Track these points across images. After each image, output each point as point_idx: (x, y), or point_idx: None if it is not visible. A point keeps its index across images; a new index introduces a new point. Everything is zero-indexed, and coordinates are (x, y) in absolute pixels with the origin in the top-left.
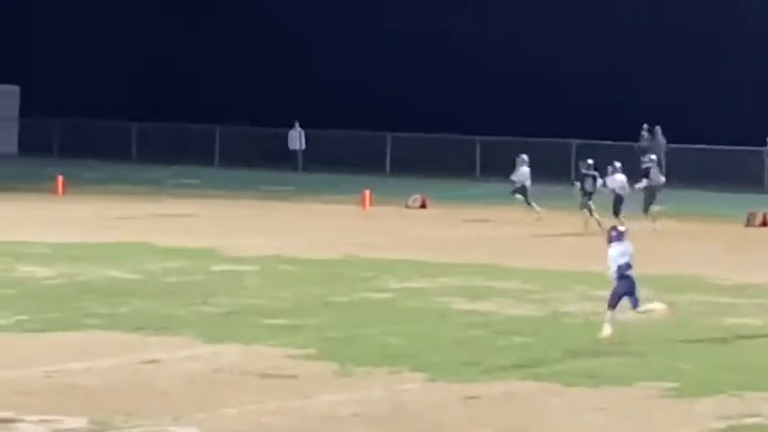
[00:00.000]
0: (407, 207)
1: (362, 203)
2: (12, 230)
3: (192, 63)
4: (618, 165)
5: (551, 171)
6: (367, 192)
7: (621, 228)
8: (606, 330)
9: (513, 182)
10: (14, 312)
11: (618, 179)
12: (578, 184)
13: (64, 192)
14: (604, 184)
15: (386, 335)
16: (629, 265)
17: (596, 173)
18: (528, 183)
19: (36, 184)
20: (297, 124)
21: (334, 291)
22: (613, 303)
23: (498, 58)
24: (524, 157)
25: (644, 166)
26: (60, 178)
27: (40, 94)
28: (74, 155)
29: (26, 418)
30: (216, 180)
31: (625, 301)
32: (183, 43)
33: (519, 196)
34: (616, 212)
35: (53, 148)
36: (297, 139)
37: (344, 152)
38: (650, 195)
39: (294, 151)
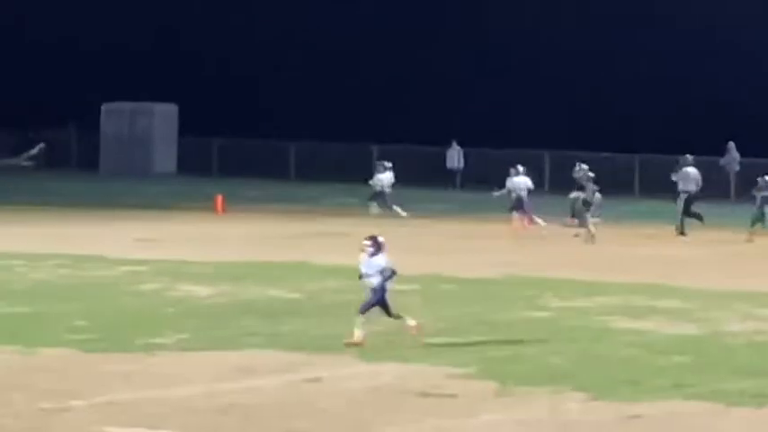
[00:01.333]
0: (565, 226)
1: (521, 222)
2: (171, 249)
3: (348, 82)
4: (521, 168)
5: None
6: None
7: (381, 239)
8: (357, 334)
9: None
10: (175, 331)
11: (516, 181)
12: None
13: (223, 211)
14: (503, 187)
15: (547, 354)
16: (377, 276)
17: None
18: (388, 189)
19: (195, 202)
20: (454, 143)
21: (493, 309)
22: (362, 309)
23: (650, 74)
24: (387, 163)
25: (576, 175)
26: (220, 197)
27: (199, 113)
28: (232, 174)
29: None
30: None
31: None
32: (340, 64)
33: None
34: (517, 210)
35: (212, 168)
36: (455, 157)
37: (503, 171)
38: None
39: (452, 170)
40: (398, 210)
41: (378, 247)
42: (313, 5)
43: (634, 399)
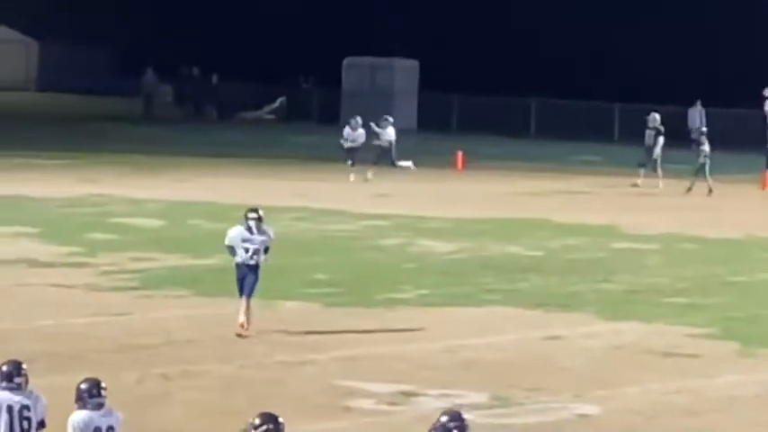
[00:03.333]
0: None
1: (763, 183)
2: (412, 205)
3: (592, 40)
4: (390, 119)
5: None
6: None
7: (262, 212)
8: (240, 319)
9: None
10: (415, 286)
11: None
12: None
13: (463, 167)
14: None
15: None
16: (252, 255)
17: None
18: (392, 140)
19: (435, 159)
20: (698, 103)
21: (736, 270)
22: (240, 290)
23: None
24: (389, 117)
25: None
26: (460, 154)
27: (440, 69)
28: (472, 130)
29: (428, 391)
30: (616, 157)
31: None
32: (581, 19)
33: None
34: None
35: (452, 124)
36: (696, 117)
37: (749, 131)
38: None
39: (693, 129)
40: (407, 163)
41: (261, 220)
42: None
43: None
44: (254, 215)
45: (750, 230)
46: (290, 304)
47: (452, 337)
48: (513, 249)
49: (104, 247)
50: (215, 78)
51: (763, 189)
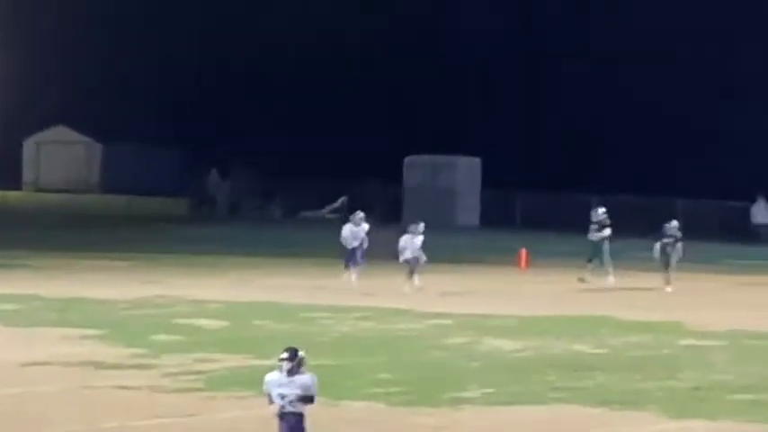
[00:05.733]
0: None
1: None
2: (476, 303)
3: (651, 137)
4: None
5: None
6: None
7: (302, 352)
8: None
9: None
10: (480, 385)
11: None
12: None
13: (527, 265)
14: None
15: None
16: (290, 401)
17: None
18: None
19: (499, 256)
20: (760, 198)
21: None
22: None
23: None
24: (360, 213)
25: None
26: (523, 251)
27: (502, 166)
28: (535, 227)
29: None
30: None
31: None
32: (644, 117)
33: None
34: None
35: (515, 221)
36: (760, 213)
37: None
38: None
39: (758, 225)
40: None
41: (299, 363)
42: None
43: None
44: (286, 356)
45: None
46: (354, 404)
47: None
48: (578, 347)
49: (169, 349)
50: (275, 178)
51: None
